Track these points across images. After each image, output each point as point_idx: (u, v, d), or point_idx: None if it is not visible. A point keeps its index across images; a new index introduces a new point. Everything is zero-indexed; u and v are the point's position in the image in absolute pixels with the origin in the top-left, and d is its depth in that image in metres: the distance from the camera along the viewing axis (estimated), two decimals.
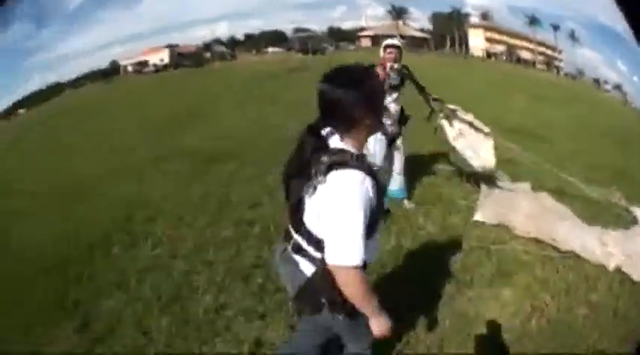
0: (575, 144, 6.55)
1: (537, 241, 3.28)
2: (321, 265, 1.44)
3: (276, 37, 13.22)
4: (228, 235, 3.57)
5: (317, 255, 1.48)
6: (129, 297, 2.92)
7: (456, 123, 4.19)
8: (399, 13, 10.79)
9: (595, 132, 7.43)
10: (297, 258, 1.54)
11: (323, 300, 1.48)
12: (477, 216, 3.62)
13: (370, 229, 1.40)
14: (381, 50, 3.77)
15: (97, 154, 6.75)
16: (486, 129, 4.27)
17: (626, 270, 2.93)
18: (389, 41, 3.79)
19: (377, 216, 1.45)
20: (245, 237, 3.52)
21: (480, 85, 8.69)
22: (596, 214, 3.78)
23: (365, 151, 1.50)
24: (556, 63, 10.42)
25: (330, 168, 1.35)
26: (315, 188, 1.38)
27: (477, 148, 4.22)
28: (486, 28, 10.21)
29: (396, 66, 3.69)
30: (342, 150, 1.41)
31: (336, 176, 1.35)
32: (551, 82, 9.45)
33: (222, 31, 13.86)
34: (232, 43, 13.21)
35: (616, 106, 8.89)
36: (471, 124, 4.25)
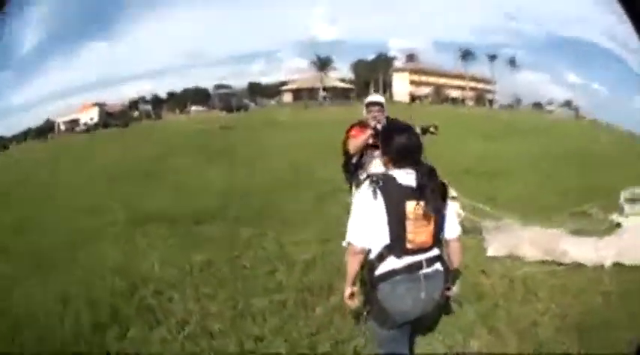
0: (536, 174, 6.95)
1: (543, 262, 3.84)
2: (444, 255, 1.98)
3: (198, 95, 13.02)
4: (264, 305, 3.18)
5: (440, 251, 1.96)
6: None
7: None
8: (323, 64, 10.33)
9: (551, 157, 8.03)
10: (434, 267, 1.90)
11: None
12: (490, 252, 4.03)
13: None
14: (364, 109, 3.47)
15: (62, 216, 5.88)
16: (453, 194, 4.22)
17: (620, 261, 3.71)
18: (373, 98, 3.54)
19: None
20: (283, 306, 3.18)
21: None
22: (585, 228, 4.37)
23: None
24: (489, 96, 10.76)
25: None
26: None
27: None
28: (412, 71, 10.26)
29: (382, 122, 3.32)
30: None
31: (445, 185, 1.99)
32: (489, 117, 10.03)
33: (147, 88, 13.36)
34: (156, 102, 12.74)
35: (566, 126, 9.20)
36: None
